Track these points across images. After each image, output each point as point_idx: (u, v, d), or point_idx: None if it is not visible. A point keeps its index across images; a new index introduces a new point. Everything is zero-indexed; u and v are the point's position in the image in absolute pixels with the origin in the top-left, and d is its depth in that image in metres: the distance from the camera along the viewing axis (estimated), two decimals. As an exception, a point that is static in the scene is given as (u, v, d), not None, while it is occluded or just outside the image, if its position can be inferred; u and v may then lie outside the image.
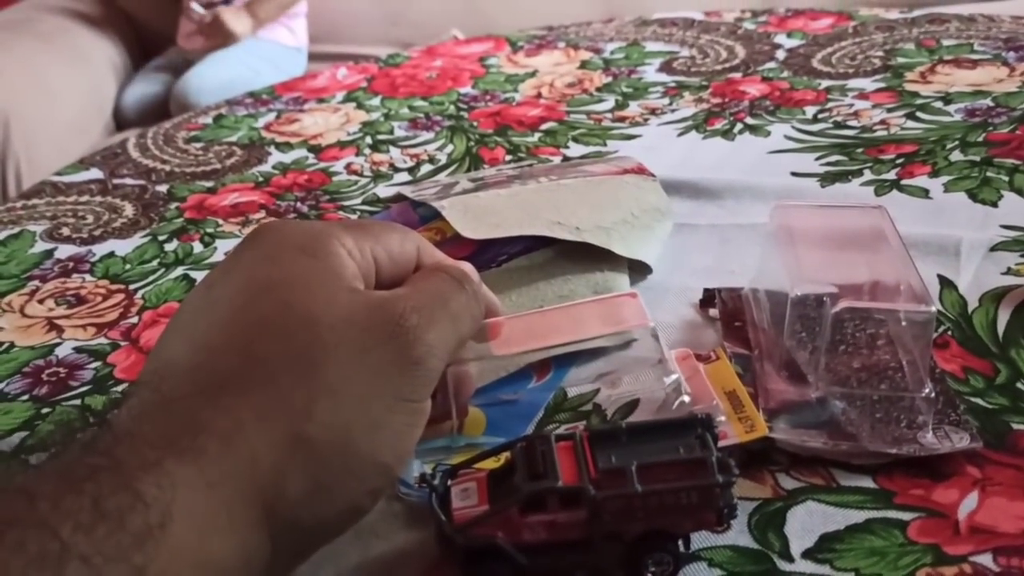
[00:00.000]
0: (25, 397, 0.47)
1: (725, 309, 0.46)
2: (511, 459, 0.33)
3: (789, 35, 0.91)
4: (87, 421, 0.45)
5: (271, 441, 0.27)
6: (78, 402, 0.46)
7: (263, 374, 0.27)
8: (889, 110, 0.70)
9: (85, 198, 0.72)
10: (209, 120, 0.87)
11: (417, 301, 0.31)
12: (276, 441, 0.27)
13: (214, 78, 1.82)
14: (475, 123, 0.78)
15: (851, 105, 0.72)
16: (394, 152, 0.74)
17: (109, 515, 0.23)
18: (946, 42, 0.83)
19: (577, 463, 0.31)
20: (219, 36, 1.89)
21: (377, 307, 0.30)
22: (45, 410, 0.46)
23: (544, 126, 0.76)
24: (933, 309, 0.37)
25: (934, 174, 0.59)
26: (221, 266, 0.31)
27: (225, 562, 0.25)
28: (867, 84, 0.76)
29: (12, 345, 0.52)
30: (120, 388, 0.47)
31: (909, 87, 0.74)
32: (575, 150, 0.70)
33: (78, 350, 0.51)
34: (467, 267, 0.36)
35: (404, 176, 0.69)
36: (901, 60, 0.80)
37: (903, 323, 0.40)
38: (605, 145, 0.70)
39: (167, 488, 0.24)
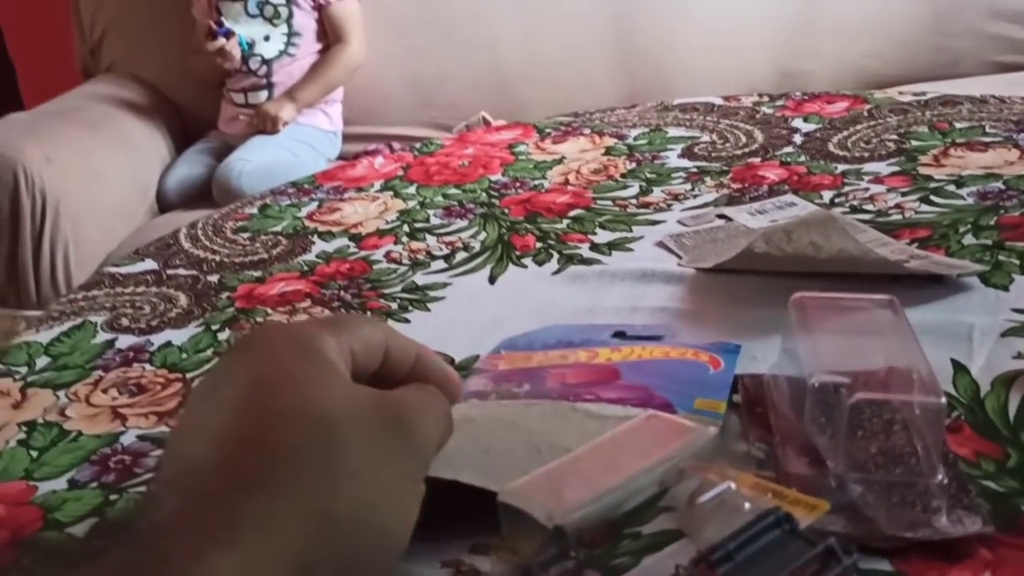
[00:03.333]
0: (94, 484, 0.51)
1: (747, 395, 0.49)
2: None
3: (806, 119, 0.95)
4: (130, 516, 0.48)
5: (301, 523, 0.30)
6: (144, 488, 0.50)
7: (287, 464, 0.31)
8: (903, 194, 0.73)
9: (141, 289, 0.76)
10: (255, 210, 0.92)
11: (407, 397, 0.36)
12: (305, 523, 0.30)
13: (255, 161, 1.90)
14: (506, 210, 0.82)
15: (867, 189, 0.75)
16: (430, 240, 0.78)
17: None
18: (958, 124, 0.87)
19: None
20: (267, 125, 1.99)
21: (378, 400, 0.34)
22: (113, 496, 0.49)
23: (572, 212, 0.79)
24: (943, 401, 0.39)
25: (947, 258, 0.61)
26: (220, 368, 0.35)
27: None
28: (882, 168, 0.79)
29: (80, 434, 0.56)
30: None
31: (923, 170, 0.77)
32: (602, 236, 0.74)
33: (141, 438, 0.55)
34: (453, 378, 0.40)
35: (441, 264, 0.73)
36: (915, 143, 0.84)
37: (916, 411, 0.43)
38: (631, 231, 0.74)
39: None
